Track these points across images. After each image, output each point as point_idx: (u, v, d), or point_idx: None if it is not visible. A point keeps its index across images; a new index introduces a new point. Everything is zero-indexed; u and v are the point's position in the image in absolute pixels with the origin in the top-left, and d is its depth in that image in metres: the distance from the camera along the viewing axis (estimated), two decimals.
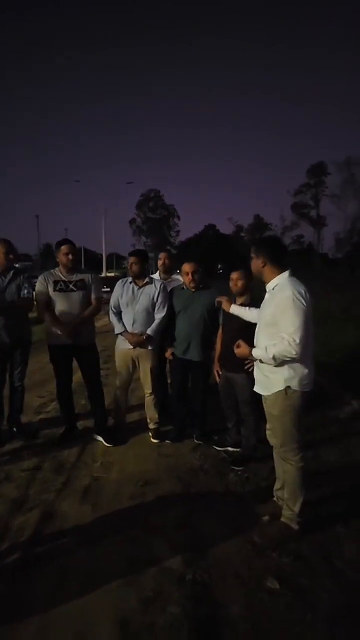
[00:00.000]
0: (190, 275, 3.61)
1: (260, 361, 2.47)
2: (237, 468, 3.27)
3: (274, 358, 2.33)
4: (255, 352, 2.47)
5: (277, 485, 2.75)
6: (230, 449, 3.61)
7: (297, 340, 2.25)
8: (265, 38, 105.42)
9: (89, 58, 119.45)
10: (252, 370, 3.12)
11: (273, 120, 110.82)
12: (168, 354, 3.85)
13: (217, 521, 2.59)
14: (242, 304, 3.37)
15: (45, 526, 2.56)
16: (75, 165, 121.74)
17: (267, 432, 2.70)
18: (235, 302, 3.42)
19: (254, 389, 2.65)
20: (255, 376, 2.65)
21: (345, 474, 3.24)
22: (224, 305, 3.25)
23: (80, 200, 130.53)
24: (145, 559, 2.26)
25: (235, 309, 3.15)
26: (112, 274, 31.71)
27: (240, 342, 2.62)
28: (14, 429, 3.94)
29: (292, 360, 2.34)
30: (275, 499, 2.76)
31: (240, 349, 2.61)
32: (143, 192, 61.37)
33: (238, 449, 3.57)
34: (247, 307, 3.08)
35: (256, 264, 2.55)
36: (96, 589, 2.05)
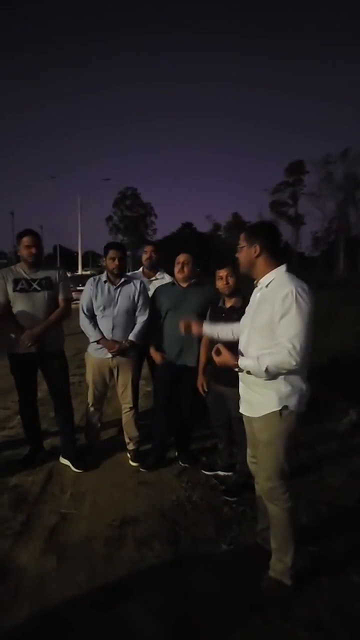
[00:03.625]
0: (181, 266, 3.12)
1: (248, 373, 1.97)
2: (230, 499, 2.81)
3: (267, 371, 1.85)
4: (244, 362, 1.95)
5: (260, 524, 2.31)
6: (221, 473, 3.15)
7: (298, 347, 1.81)
8: (241, 30, 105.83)
9: (64, 49, 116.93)
10: None
11: (251, 117, 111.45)
12: (158, 357, 3.25)
13: (211, 577, 2.11)
14: (232, 307, 2.92)
15: None
16: (50, 161, 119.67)
17: (250, 460, 2.26)
18: (224, 304, 2.96)
19: (240, 410, 2.18)
20: (241, 394, 2.16)
21: (354, 500, 2.82)
22: (194, 329, 2.64)
23: (56, 197, 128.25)
24: (124, 639, 1.76)
25: (207, 330, 2.60)
26: (88, 272, 30.88)
27: (220, 346, 2.05)
28: None
29: (289, 373, 1.90)
30: (259, 541, 2.31)
31: (222, 357, 2.04)
32: (120, 189, 60.50)
33: (230, 473, 3.12)
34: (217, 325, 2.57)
35: (248, 253, 2.03)
36: None
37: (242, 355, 2.05)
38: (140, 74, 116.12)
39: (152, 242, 3.17)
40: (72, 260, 45.42)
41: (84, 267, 39.49)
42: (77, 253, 37.78)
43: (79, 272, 32.94)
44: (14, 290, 3.03)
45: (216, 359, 2.07)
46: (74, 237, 39.50)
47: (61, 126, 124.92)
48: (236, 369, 2.02)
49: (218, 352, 2.06)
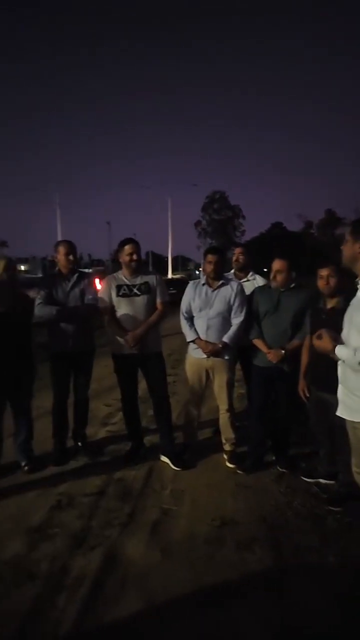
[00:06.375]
0: (273, 274, 3.09)
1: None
2: (334, 509, 2.69)
3: None
4: (340, 351, 2.02)
5: None
6: (322, 481, 3.02)
7: None
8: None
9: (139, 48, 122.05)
10: None
11: (343, 107, 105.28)
12: (273, 354, 3.08)
13: (317, 587, 2.04)
14: (333, 308, 2.79)
15: (107, 574, 2.18)
16: (144, 172, 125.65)
17: (355, 470, 2.15)
18: (326, 305, 2.84)
19: (337, 413, 2.15)
20: (339, 396, 2.13)
21: None
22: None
23: (148, 205, 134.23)
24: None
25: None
26: (177, 276, 31.76)
27: (324, 332, 2.12)
28: (79, 443, 3.68)
29: None
30: None
31: (322, 342, 2.13)
32: (208, 194, 61.07)
33: (332, 482, 2.97)
34: None
35: (352, 248, 2.01)
36: None
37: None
38: (225, 79, 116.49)
39: (240, 244, 3.18)
40: (162, 264, 47.06)
41: (173, 271, 40.66)
42: (167, 258, 39.01)
43: (169, 276, 34.04)
44: (117, 295, 3.24)
45: (316, 342, 2.18)
46: (164, 242, 40.92)
47: (154, 138, 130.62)
48: (331, 355, 2.08)
49: (320, 337, 2.15)
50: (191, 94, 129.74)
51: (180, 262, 63.11)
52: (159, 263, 50.82)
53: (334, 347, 2.04)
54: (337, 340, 2.10)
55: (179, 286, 15.13)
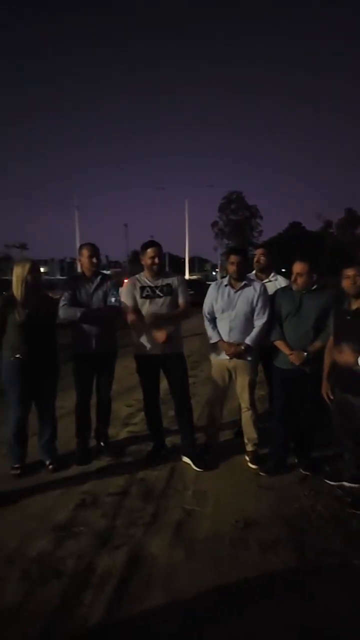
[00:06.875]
0: (294, 277, 3.07)
1: None
2: (358, 512, 2.66)
3: None
4: None
5: None
6: (346, 484, 2.99)
7: None
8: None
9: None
10: None
11: (344, 107, 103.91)
12: (296, 357, 3.06)
13: (339, 590, 2.02)
14: (358, 308, 2.75)
15: (132, 574, 2.20)
16: (160, 174, 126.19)
17: None
18: (350, 306, 2.80)
19: None
20: None
21: None
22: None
23: (164, 207, 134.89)
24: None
25: None
26: (194, 277, 31.82)
27: (345, 345, 2.15)
28: (102, 443, 3.72)
29: None
30: None
31: (344, 356, 2.18)
32: (224, 194, 60.89)
33: (357, 485, 2.94)
34: None
35: None
36: None
37: None
38: (225, 79, 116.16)
39: (261, 245, 3.14)
40: (178, 265, 47.15)
41: (190, 272, 40.69)
42: (184, 259, 39.07)
43: (186, 277, 34.12)
44: (141, 297, 3.27)
45: (337, 356, 2.23)
46: (181, 244, 41.10)
47: (169, 139, 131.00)
48: (354, 367, 2.15)
49: (341, 351, 2.23)
50: (192, 93, 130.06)
51: (197, 263, 63.02)
52: (176, 264, 50.96)
53: (357, 358, 2.06)
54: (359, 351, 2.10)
55: (196, 287, 15.18)
